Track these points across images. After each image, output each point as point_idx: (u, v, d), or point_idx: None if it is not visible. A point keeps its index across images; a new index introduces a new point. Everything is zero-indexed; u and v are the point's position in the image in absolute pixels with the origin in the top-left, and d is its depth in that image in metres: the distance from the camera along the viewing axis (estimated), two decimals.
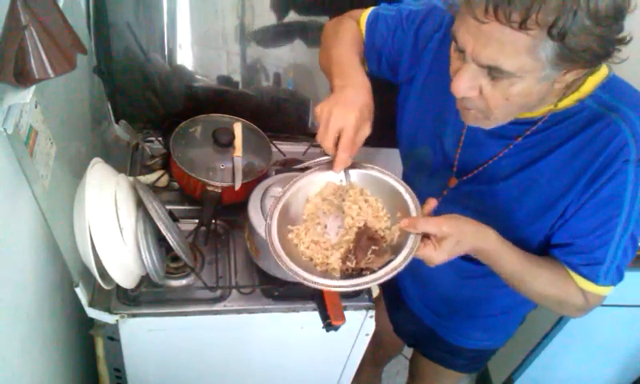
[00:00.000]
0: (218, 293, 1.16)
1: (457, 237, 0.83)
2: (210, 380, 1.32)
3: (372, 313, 1.18)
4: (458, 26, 0.75)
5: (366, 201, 0.93)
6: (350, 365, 1.33)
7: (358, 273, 0.87)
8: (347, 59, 0.97)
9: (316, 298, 1.02)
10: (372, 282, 0.84)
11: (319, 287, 0.85)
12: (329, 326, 0.98)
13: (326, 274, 0.87)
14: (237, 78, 1.46)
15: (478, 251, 0.88)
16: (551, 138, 0.87)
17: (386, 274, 0.84)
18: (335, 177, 0.95)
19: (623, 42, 0.72)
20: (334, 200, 0.94)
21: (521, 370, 1.88)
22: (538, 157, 0.89)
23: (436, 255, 0.84)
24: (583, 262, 0.89)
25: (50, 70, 0.74)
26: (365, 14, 1.06)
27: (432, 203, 0.87)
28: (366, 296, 1.19)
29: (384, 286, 1.43)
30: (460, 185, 1.00)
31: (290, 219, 0.94)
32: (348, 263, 0.88)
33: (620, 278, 0.91)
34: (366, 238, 0.88)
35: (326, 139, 0.87)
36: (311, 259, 0.90)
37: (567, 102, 0.85)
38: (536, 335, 1.75)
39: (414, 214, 0.87)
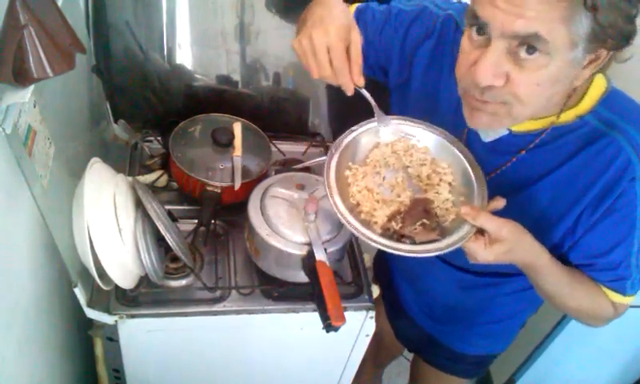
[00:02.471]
0: (218, 293, 1.15)
1: (511, 245, 0.80)
2: (210, 381, 1.32)
3: (372, 313, 1.17)
4: (479, 3, 0.70)
5: (436, 172, 0.91)
6: (350, 366, 1.33)
7: (398, 238, 0.85)
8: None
9: (316, 299, 1.02)
10: (409, 252, 0.82)
11: (355, 232, 0.83)
12: (329, 326, 0.98)
13: (365, 225, 0.85)
14: (236, 77, 1.46)
15: (526, 265, 0.86)
16: (553, 154, 0.86)
17: (426, 250, 0.82)
18: (413, 135, 0.94)
19: (634, 32, 0.70)
20: (403, 157, 0.92)
21: (522, 371, 1.88)
22: (539, 175, 0.87)
23: (482, 253, 0.81)
24: (610, 278, 0.90)
25: (48, 70, 0.74)
26: (353, 5, 1.03)
27: (500, 203, 0.83)
28: (366, 296, 1.19)
29: (384, 291, 1.43)
30: None
31: (352, 156, 0.93)
32: (392, 223, 0.85)
33: None
34: (421, 209, 0.86)
35: (320, 66, 0.79)
36: (358, 204, 0.89)
37: (567, 116, 0.83)
38: (537, 337, 1.75)
39: (477, 204, 0.85)
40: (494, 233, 0.79)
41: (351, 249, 1.29)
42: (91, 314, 1.05)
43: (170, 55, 1.40)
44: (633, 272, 0.89)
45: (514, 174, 0.90)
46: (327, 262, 1.03)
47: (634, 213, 0.83)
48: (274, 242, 1.06)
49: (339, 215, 0.85)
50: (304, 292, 1.12)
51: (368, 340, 1.23)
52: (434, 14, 0.96)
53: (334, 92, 1.54)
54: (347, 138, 0.92)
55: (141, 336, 1.10)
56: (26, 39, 0.71)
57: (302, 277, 1.08)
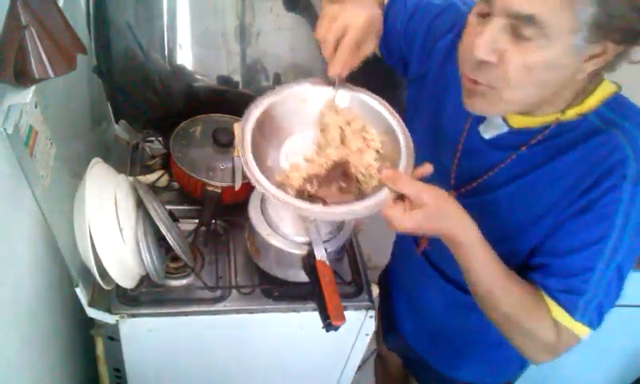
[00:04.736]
0: (218, 293, 1.16)
1: (433, 211, 0.76)
2: (210, 380, 1.32)
3: (372, 313, 1.18)
4: None
5: (364, 139, 0.87)
6: (349, 365, 1.33)
7: (312, 200, 0.81)
8: None
9: (316, 298, 1.02)
10: (318, 213, 0.78)
11: (261, 189, 0.78)
12: (329, 326, 0.98)
13: (280, 186, 0.81)
14: (237, 77, 1.46)
15: (450, 239, 0.80)
16: (551, 151, 0.82)
17: (338, 213, 0.78)
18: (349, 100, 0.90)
19: None
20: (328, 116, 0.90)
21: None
22: (535, 166, 0.84)
23: (401, 219, 0.75)
24: (561, 287, 0.79)
25: (50, 70, 0.74)
26: None
27: (427, 169, 0.81)
28: (366, 296, 1.19)
29: (381, 305, 1.37)
30: (457, 199, 0.95)
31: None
32: (307, 185, 0.82)
33: (599, 320, 0.81)
34: (340, 172, 0.83)
35: (329, 34, 0.81)
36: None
37: (570, 114, 0.80)
38: None
39: (402, 170, 0.81)
40: (415, 198, 0.75)
41: (351, 248, 1.29)
42: (92, 313, 1.06)
43: (171, 56, 1.40)
44: (591, 291, 0.78)
45: (513, 170, 0.87)
46: (327, 262, 1.03)
47: (614, 217, 0.75)
48: (274, 241, 1.07)
49: (247, 171, 0.80)
50: (304, 291, 1.13)
51: (368, 339, 1.24)
52: (460, 10, 0.95)
53: None
54: (272, 98, 0.88)
55: (142, 335, 1.11)
56: (27, 40, 0.71)
57: (302, 276, 1.09)
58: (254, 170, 0.80)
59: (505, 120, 0.85)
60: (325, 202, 0.79)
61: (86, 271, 1.01)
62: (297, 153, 0.88)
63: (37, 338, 0.98)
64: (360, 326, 1.20)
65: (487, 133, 0.88)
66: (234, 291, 1.16)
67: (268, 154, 0.87)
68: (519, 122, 0.83)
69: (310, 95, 0.91)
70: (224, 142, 1.30)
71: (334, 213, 0.78)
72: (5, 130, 0.70)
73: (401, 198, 0.77)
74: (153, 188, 1.32)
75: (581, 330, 0.81)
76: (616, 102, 0.79)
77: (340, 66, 0.84)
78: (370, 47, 0.87)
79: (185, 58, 1.41)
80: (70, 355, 1.21)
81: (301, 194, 0.82)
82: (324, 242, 1.07)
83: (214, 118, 1.41)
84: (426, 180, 1.00)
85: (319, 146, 0.88)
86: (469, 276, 0.83)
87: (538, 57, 0.68)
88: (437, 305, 1.15)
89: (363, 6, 0.87)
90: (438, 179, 0.94)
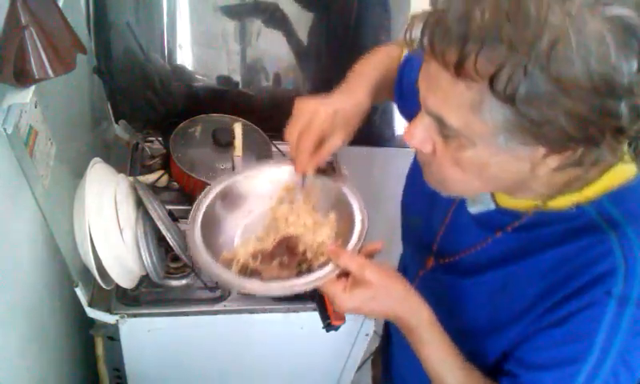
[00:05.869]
0: (218, 293, 1.16)
1: (376, 291, 0.70)
2: (210, 380, 1.32)
3: None
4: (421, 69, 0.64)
5: (320, 219, 0.85)
6: (349, 365, 1.33)
7: (252, 275, 0.79)
8: (359, 73, 0.88)
9: (316, 299, 1.02)
10: (254, 290, 0.75)
11: (200, 263, 0.78)
12: (329, 326, 0.98)
13: (227, 263, 0.79)
14: (237, 77, 1.47)
15: (400, 322, 0.74)
16: (536, 240, 0.70)
17: (274, 288, 0.75)
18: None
19: (624, 131, 0.53)
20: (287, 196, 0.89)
21: None
22: (515, 258, 0.72)
23: (342, 299, 0.70)
24: None
25: (49, 70, 0.74)
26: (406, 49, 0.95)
27: (376, 246, 0.76)
28: None
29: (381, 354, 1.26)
30: (435, 268, 0.87)
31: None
32: (251, 260, 0.80)
33: None
34: (285, 247, 0.80)
35: (291, 136, 0.79)
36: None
37: (562, 202, 0.67)
38: None
39: (350, 247, 0.75)
40: (356, 273, 0.70)
41: None
42: (92, 313, 1.06)
43: (171, 56, 1.40)
44: None
45: (491, 254, 0.76)
46: None
47: (594, 337, 0.63)
48: None
49: (190, 244, 0.79)
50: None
51: (367, 339, 1.24)
52: None
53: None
54: (235, 178, 0.89)
55: (141, 335, 1.11)
56: (27, 40, 0.71)
57: None
58: (197, 241, 0.79)
59: (492, 196, 0.75)
60: (261, 277, 0.77)
61: (85, 271, 1.01)
62: (253, 230, 0.87)
63: (37, 338, 0.98)
64: (360, 325, 1.20)
65: (472, 207, 0.78)
66: (234, 291, 1.16)
67: (225, 226, 0.87)
68: (506, 201, 0.73)
69: (277, 177, 0.90)
70: (224, 142, 1.30)
71: (269, 288, 0.76)
72: (5, 129, 0.70)
73: (346, 275, 0.72)
74: (152, 188, 1.32)
75: None
76: (625, 194, 0.65)
77: (302, 167, 0.81)
78: (337, 142, 0.81)
79: (185, 58, 1.42)
80: (69, 355, 1.21)
81: (244, 269, 0.80)
82: None
83: (214, 117, 1.41)
84: (412, 239, 0.93)
85: (269, 227, 0.87)
86: (424, 365, 0.75)
87: (464, 154, 0.61)
88: (409, 360, 0.98)
89: (344, 97, 0.82)
90: (423, 242, 0.90)
